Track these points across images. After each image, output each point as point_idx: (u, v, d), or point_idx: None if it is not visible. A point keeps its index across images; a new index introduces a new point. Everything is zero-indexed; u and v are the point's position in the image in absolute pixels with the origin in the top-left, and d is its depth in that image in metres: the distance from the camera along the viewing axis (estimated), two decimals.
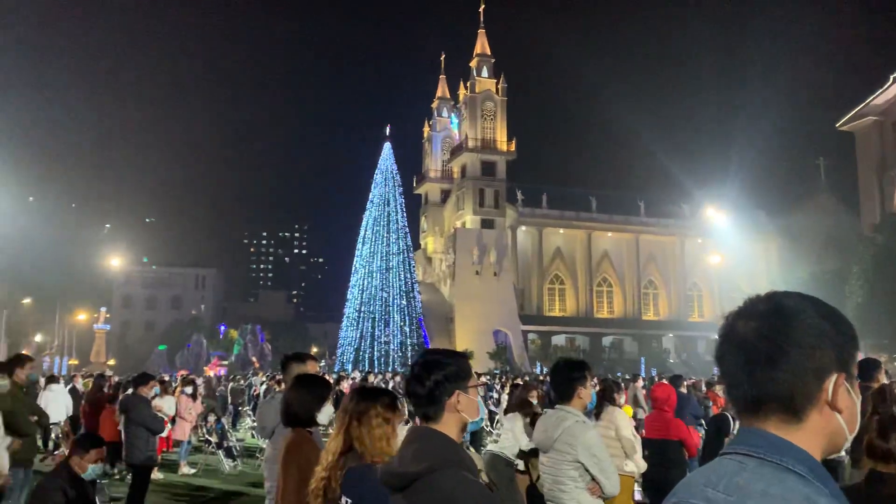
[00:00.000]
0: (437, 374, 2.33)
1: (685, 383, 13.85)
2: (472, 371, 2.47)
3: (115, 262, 73.20)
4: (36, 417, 7.81)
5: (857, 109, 59.65)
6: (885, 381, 6.41)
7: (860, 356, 1.57)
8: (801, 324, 1.26)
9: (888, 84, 57.09)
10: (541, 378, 26.05)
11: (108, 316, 65.41)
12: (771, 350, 1.26)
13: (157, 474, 11.88)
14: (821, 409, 1.26)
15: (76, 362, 65.29)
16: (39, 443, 12.00)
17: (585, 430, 4.46)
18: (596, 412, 6.91)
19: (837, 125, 61.84)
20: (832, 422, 1.27)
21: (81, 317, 69.95)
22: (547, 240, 75.35)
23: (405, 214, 62.90)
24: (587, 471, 4.35)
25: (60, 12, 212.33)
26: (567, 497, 4.35)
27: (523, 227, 74.51)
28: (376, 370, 47.45)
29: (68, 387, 17.53)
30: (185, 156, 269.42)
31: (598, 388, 7.33)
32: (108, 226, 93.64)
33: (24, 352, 11.36)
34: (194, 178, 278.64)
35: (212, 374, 46.62)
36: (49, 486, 5.44)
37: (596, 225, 75.91)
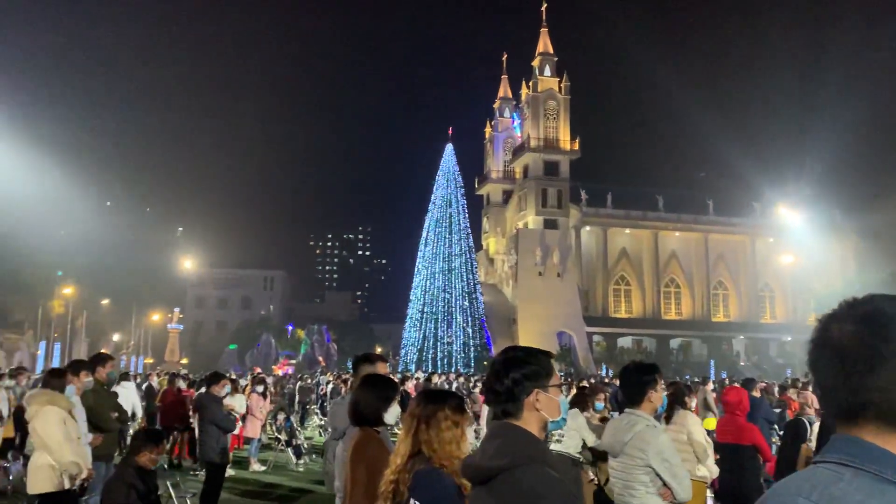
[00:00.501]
0: (516, 371, 2.34)
1: (758, 387, 13.44)
2: (555, 370, 2.44)
3: (188, 263, 75.71)
4: (116, 414, 8.13)
5: None
6: None
7: None
8: None
9: None
10: (606, 381, 25.69)
11: (181, 316, 67.60)
12: (869, 355, 1.20)
13: (228, 471, 12.19)
14: None
15: (151, 361, 67.84)
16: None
17: (657, 434, 4.37)
18: (666, 416, 6.77)
19: None
20: None
21: (156, 317, 72.62)
22: (612, 240, 74.27)
23: (467, 216, 63.09)
24: (658, 476, 4.27)
25: (129, 25, 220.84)
26: (637, 502, 4.29)
27: (587, 227, 73.64)
28: (439, 371, 47.65)
29: (144, 384, 18.15)
30: (253, 161, 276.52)
31: (668, 391, 7.16)
32: (180, 229, 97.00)
33: (103, 350, 11.85)
34: (262, 182, 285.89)
35: (280, 372, 47.67)
36: (120, 482, 5.65)
37: (663, 224, 74.46)
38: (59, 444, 6.07)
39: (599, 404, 8.70)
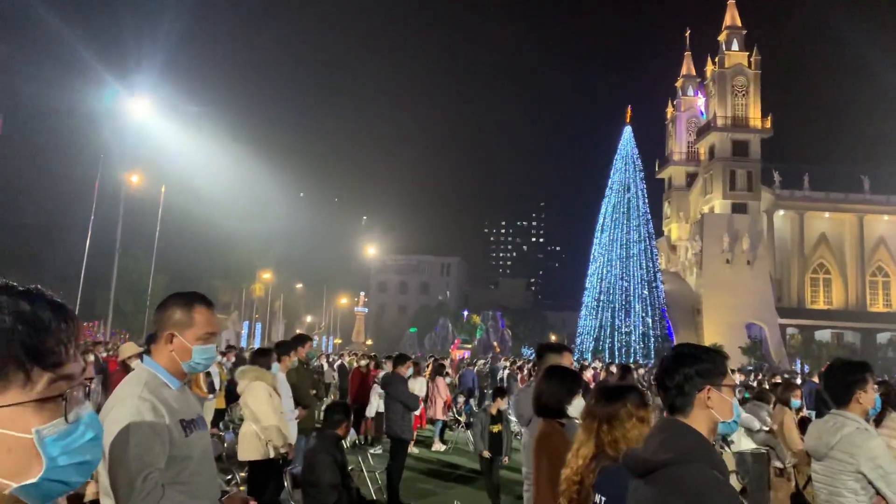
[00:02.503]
0: (688, 367, 2.29)
1: None
2: (729, 371, 2.36)
3: (372, 250, 79.84)
4: (314, 391, 8.77)
5: None
6: None
7: None
8: None
9: None
10: (800, 377, 23.86)
11: (366, 300, 71.49)
12: None
13: (412, 449, 12.75)
14: None
15: (340, 341, 72.54)
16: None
17: (868, 438, 4.01)
18: (877, 419, 6.17)
19: None
20: None
21: (344, 300, 77.39)
22: (809, 224, 68.58)
23: (647, 200, 60.98)
24: (871, 483, 3.92)
25: (296, 25, 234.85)
26: None
27: (781, 212, 68.54)
28: (616, 361, 46.69)
29: (336, 363, 19.38)
30: (432, 151, 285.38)
31: (879, 391, 6.52)
32: (364, 217, 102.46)
33: (300, 332, 12.79)
34: (440, 171, 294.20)
35: (457, 356, 49.02)
36: (324, 452, 6.11)
37: (869, 207, 67.67)
38: (266, 416, 6.65)
39: (795, 402, 8.09)
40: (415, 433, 15.27)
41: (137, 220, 36.26)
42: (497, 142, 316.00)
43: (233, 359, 16.31)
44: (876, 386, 4.58)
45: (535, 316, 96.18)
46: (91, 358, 13.47)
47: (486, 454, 9.03)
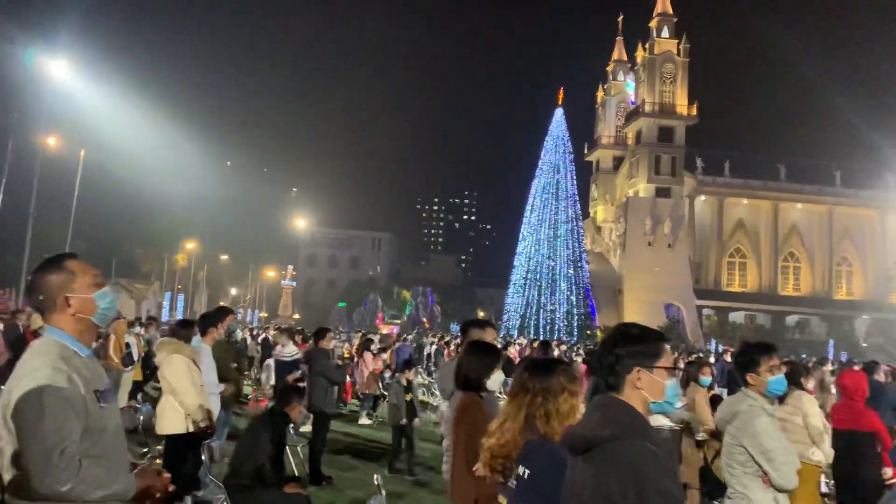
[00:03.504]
0: (623, 347, 2.35)
1: (882, 371, 12.63)
2: (666, 353, 2.41)
3: (301, 223, 78.66)
4: (235, 364, 8.63)
5: None
6: None
7: None
8: None
9: None
10: (714, 357, 24.89)
11: (294, 273, 70.59)
12: None
13: (337, 423, 12.73)
14: None
15: (265, 315, 71.40)
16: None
17: (754, 417, 4.22)
18: (781, 397, 6.50)
19: None
20: None
21: (271, 273, 76.14)
22: (728, 210, 71.26)
23: (575, 182, 62.04)
24: (754, 459, 4.15)
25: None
26: (735, 481, 4.26)
27: (702, 197, 70.93)
28: (541, 338, 47.61)
29: (261, 337, 19.12)
30: (363, 125, 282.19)
31: (784, 370, 6.87)
32: (294, 189, 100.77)
33: (223, 304, 12.57)
34: (372, 146, 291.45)
35: (385, 332, 49.08)
36: (267, 426, 6.08)
37: (784, 195, 70.73)
38: (185, 389, 6.51)
39: (705, 379, 8.45)
40: (342, 406, 15.30)
41: (55, 184, 34.72)
42: (431, 119, 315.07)
43: (152, 331, 15.88)
44: (780, 365, 4.81)
45: (465, 293, 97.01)
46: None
47: (403, 421, 9.94)
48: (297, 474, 8.14)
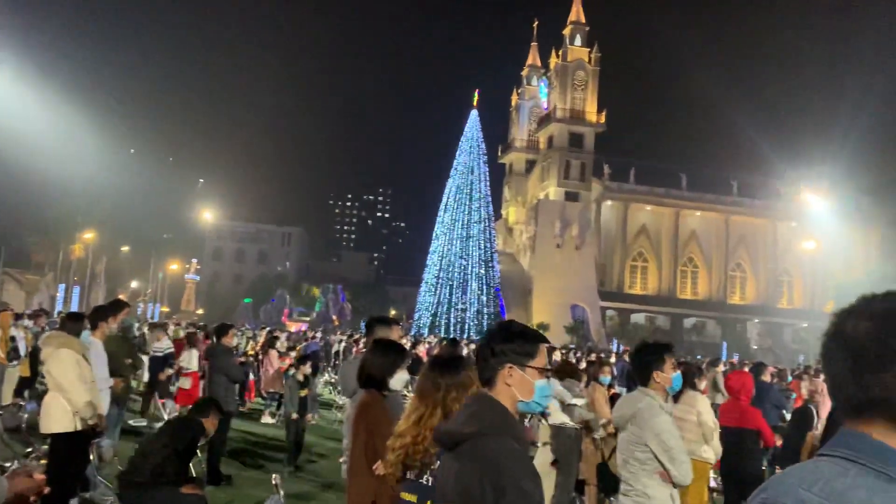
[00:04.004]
0: (499, 343, 2.37)
1: (768, 372, 13.37)
2: (541, 354, 2.43)
3: (208, 215, 76.22)
4: (130, 360, 8.27)
5: None
6: None
7: None
8: None
9: None
10: (615, 356, 25.71)
11: (198, 267, 68.31)
12: (882, 353, 1.20)
13: (238, 421, 12.41)
14: None
15: (167, 309, 68.85)
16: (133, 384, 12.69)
17: (656, 414, 4.35)
18: (675, 395, 6.76)
19: None
20: None
21: (174, 266, 73.42)
22: (633, 216, 73.77)
23: (488, 183, 62.75)
24: (655, 456, 4.27)
25: None
26: (633, 479, 4.33)
27: (609, 202, 73.15)
28: (451, 336, 47.92)
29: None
30: (276, 118, 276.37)
31: (679, 370, 7.16)
32: (201, 180, 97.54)
33: (120, 297, 12.03)
34: (285, 139, 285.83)
35: (293, 329, 48.23)
36: (177, 431, 5.84)
37: (685, 203, 73.83)
38: (73, 385, 6.17)
39: (605, 378, 8.71)
40: (246, 402, 14.92)
41: None
42: (348, 115, 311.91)
43: (43, 323, 15.02)
44: (675, 365, 5.00)
45: (377, 290, 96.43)
46: None
47: (295, 416, 10.21)
48: (194, 474, 7.88)
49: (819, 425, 8.27)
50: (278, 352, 16.43)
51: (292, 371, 11.73)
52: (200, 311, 68.14)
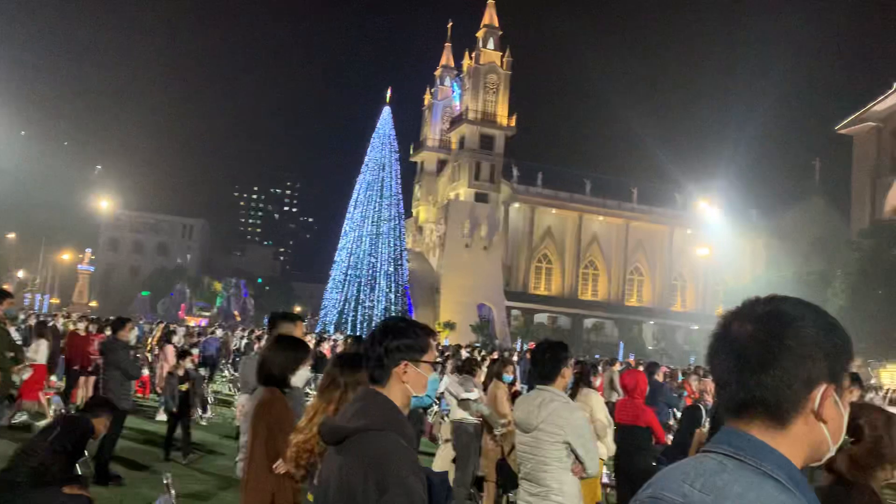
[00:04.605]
0: (391, 340, 2.35)
1: (661, 371, 13.95)
2: (432, 348, 2.45)
3: (105, 203, 72.68)
4: (12, 353, 7.78)
5: (857, 114, 59.76)
6: (859, 392, 6.50)
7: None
8: (796, 331, 1.25)
9: (891, 91, 57.12)
10: (517, 355, 26.22)
11: (92, 257, 64.98)
12: (763, 354, 1.25)
13: (133, 419, 11.89)
14: (806, 418, 1.26)
15: (57, 301, 65.18)
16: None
17: (573, 411, 4.45)
18: (571, 393, 6.95)
19: (837, 128, 61.94)
20: (816, 431, 1.27)
21: (66, 256, 69.59)
22: (539, 218, 75.40)
23: (399, 181, 62.65)
24: (573, 451, 4.35)
25: None
26: (550, 478, 4.32)
27: (516, 204, 74.47)
28: (357, 334, 47.54)
29: (49, 325, 17.45)
30: (181, 106, 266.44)
31: (575, 369, 7.36)
32: (98, 167, 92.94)
33: (4, 286, 11.31)
34: (189, 128, 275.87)
35: (193, 324, 46.68)
36: (63, 430, 5.52)
37: (588, 208, 76.00)
38: None
39: (507, 376, 8.86)
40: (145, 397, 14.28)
41: None
42: (258, 105, 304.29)
43: None
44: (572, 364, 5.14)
45: (282, 286, 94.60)
46: None
47: (174, 410, 10.38)
48: (79, 472, 7.50)
49: (707, 423, 8.71)
50: (175, 347, 15.83)
51: (176, 365, 11.51)
52: (94, 304, 64.84)
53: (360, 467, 2.10)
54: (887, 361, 37.67)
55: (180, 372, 10.96)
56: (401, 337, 2.37)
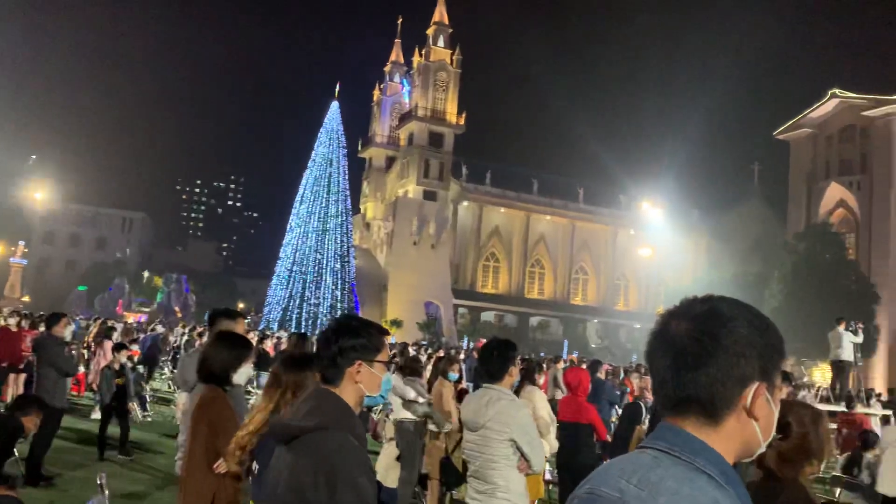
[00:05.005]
0: (345, 340, 2.34)
1: (603, 369, 14.21)
2: (385, 347, 2.45)
3: (39, 195, 70.17)
4: None
5: (794, 120, 61.92)
6: (788, 389, 6.75)
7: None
8: (731, 331, 1.28)
9: (825, 99, 59.37)
10: (464, 353, 26.34)
11: (25, 250, 62.74)
12: (699, 353, 1.28)
13: (69, 417, 11.53)
14: (739, 415, 1.29)
15: None
16: None
17: (519, 409, 4.50)
18: (516, 391, 7.01)
19: (775, 133, 64.05)
20: (748, 428, 1.30)
21: None
22: (487, 217, 75.85)
23: (347, 177, 62.17)
24: (519, 449, 4.38)
25: None
26: (497, 475, 4.34)
27: (465, 203, 74.76)
28: (303, 331, 47.05)
29: None
30: (122, 95, 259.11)
31: (520, 367, 7.43)
32: (33, 157, 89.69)
33: None
34: (131, 117, 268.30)
35: (132, 321, 45.53)
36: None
37: (536, 207, 76.79)
38: None
39: (453, 375, 8.88)
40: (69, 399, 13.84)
41: None
42: (202, 97, 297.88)
43: None
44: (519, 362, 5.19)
45: (225, 282, 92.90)
46: None
47: (110, 403, 10.37)
48: (8, 473, 7.23)
49: (647, 420, 8.91)
50: (114, 343, 15.40)
51: (112, 360, 11.29)
52: (26, 299, 62.54)
53: (311, 466, 2.08)
54: (819, 360, 39.18)
55: (116, 365, 10.81)
56: (355, 336, 2.36)
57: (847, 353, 15.84)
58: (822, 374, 37.50)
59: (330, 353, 2.33)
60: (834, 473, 9.58)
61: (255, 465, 2.83)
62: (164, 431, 12.63)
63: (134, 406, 10.81)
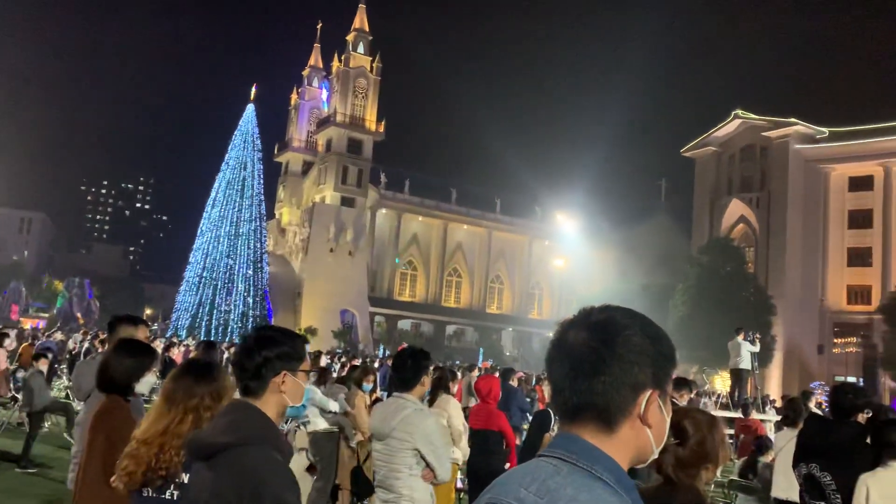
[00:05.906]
0: (269, 350, 2.29)
1: (516, 377, 14.42)
2: (307, 356, 2.42)
3: None
4: None
5: (699, 139, 64.89)
6: (689, 396, 7.04)
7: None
8: (625, 340, 1.32)
9: (729, 119, 62.53)
10: (379, 362, 26.22)
11: None
12: (594, 361, 1.31)
13: None
14: (633, 423, 1.33)
15: None
16: None
17: (425, 418, 4.49)
18: (430, 399, 7.03)
19: (681, 151, 66.90)
20: (642, 435, 1.34)
21: None
22: (405, 225, 75.89)
23: (262, 181, 60.94)
24: (423, 458, 4.38)
25: None
26: (401, 484, 4.33)
27: (383, 210, 74.58)
28: (212, 339, 45.71)
29: None
30: (22, 89, 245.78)
31: (434, 375, 7.45)
32: None
33: None
34: (33, 114, 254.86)
35: (29, 326, 43.18)
36: None
37: (453, 217, 77.39)
38: None
39: (367, 385, 8.81)
40: None
41: None
42: (108, 95, 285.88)
43: None
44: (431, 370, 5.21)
45: (131, 287, 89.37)
46: None
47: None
48: None
49: (555, 427, 9.09)
50: (6, 350, 14.55)
51: (34, 365, 10.67)
52: None
53: (234, 484, 2.02)
54: (720, 369, 40.98)
55: (43, 368, 10.65)
56: (279, 346, 2.30)
57: (745, 362, 16.55)
58: (722, 382, 39.23)
59: (254, 363, 2.26)
60: (731, 478, 10.02)
61: (185, 476, 2.71)
62: (58, 443, 12.01)
63: (23, 416, 10.20)
